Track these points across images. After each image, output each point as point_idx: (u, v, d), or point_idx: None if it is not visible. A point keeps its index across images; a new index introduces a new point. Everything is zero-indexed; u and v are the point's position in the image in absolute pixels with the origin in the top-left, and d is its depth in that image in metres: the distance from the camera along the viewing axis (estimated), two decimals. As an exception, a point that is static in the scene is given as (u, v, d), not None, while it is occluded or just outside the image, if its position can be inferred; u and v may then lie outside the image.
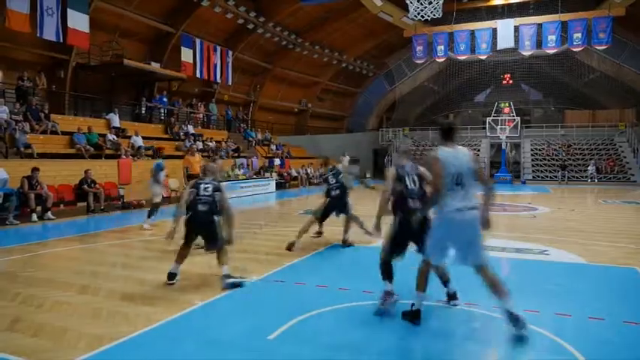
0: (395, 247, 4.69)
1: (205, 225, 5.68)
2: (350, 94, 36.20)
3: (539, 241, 8.24)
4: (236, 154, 22.44)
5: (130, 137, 17.19)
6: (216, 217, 5.65)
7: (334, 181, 7.93)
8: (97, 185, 13.10)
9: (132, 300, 5.01)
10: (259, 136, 27.29)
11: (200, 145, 19.76)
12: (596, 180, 25.57)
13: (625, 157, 26.95)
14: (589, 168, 26.19)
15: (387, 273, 4.68)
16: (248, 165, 22.03)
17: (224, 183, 5.72)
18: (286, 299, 5.01)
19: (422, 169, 4.87)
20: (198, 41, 22.06)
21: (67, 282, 5.75)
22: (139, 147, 16.77)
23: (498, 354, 3.87)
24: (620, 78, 29.74)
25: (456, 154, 4.11)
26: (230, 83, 25.04)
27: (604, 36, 25.91)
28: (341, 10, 26.46)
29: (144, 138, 17.60)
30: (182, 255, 5.82)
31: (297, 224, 9.26)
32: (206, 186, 5.76)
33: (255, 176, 21.08)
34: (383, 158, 31.51)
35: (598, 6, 26.64)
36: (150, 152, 17.07)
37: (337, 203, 7.93)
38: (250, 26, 24.06)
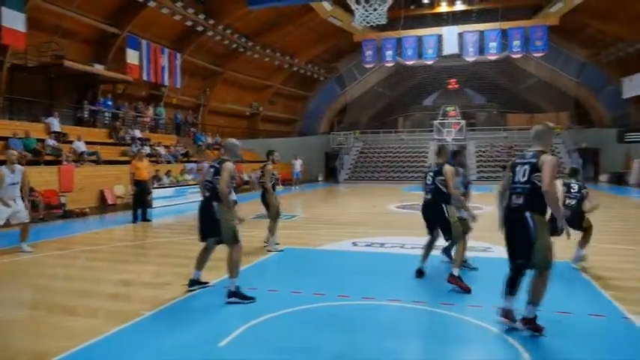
0: None
1: (204, 214, 5.20)
2: (302, 98, 36.32)
3: (483, 239, 8.39)
4: (185, 159, 21.98)
5: (71, 142, 16.46)
6: (216, 204, 5.07)
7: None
8: (36, 193, 12.45)
9: (74, 313, 4.81)
10: (210, 140, 26.84)
11: (148, 149, 19.20)
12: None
13: (561, 158, 28.50)
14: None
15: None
16: (198, 170, 21.61)
17: (229, 165, 5.07)
18: (238, 305, 4.92)
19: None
20: (144, 43, 21.46)
21: (4, 297, 5.45)
22: (82, 152, 16.09)
23: (448, 351, 3.93)
24: (555, 83, 31.54)
25: None
26: (179, 86, 24.49)
27: (540, 44, 27.42)
28: (291, 14, 26.52)
29: (87, 143, 16.89)
30: (201, 258, 5.46)
31: (249, 229, 9.20)
32: (210, 169, 5.25)
33: (206, 182, 20.66)
34: (334, 161, 31.81)
35: (535, 15, 28.15)
36: (94, 158, 16.41)
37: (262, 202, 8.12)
38: (199, 28, 23.64)
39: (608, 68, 29.82)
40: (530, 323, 3.94)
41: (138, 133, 20.79)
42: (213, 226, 5.08)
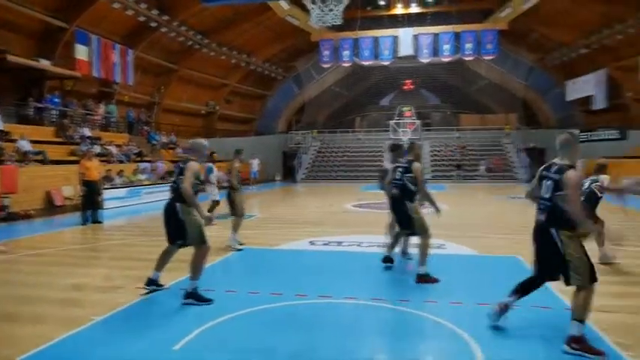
0: None
1: (168, 216, 5.02)
2: (259, 97, 36.03)
3: (437, 236, 8.54)
4: (139, 158, 21.34)
5: (15, 141, 15.64)
6: (179, 205, 4.93)
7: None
8: (-24, 194, 11.76)
9: (18, 320, 4.57)
10: (164, 139, 26.21)
11: (98, 148, 18.51)
12: (486, 178, 27.84)
13: (511, 157, 29.65)
14: (480, 167, 28.47)
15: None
16: (152, 170, 21.04)
17: (194, 165, 5.00)
18: (193, 307, 4.82)
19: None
20: (94, 38, 20.67)
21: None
22: (26, 152, 15.32)
23: (404, 346, 3.98)
24: (505, 85, 32.79)
25: None
26: (131, 83, 23.74)
27: (491, 47, 28.45)
28: (248, 12, 26.26)
29: (32, 142, 16.11)
30: (162, 259, 5.31)
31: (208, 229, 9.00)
32: (175, 169, 5.13)
33: (160, 182, 20.18)
34: (292, 160, 31.76)
35: (486, 20, 29.14)
36: (40, 157, 15.66)
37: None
38: (153, 24, 23.00)
39: (554, 72, 31.32)
40: (579, 343, 3.55)
41: (87, 132, 20.03)
42: (178, 228, 4.95)
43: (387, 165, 6.98)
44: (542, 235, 3.79)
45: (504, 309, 4.09)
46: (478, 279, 5.96)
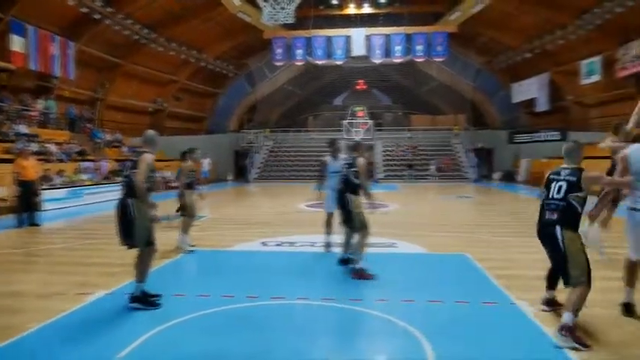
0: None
1: (119, 214, 4.69)
2: (210, 95, 35.18)
3: (389, 235, 8.72)
4: (81, 157, 20.30)
5: (-60, 138, 14.43)
6: (131, 201, 4.64)
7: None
8: None
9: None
10: (108, 137, 25.07)
11: (35, 146, 17.39)
12: (436, 177, 28.47)
13: (460, 157, 30.47)
14: (431, 167, 29.09)
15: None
16: (95, 169, 20.09)
17: (147, 156, 4.77)
18: (140, 312, 4.57)
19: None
20: (31, 29, 19.38)
21: None
22: (-45, 149, 14.17)
23: (356, 345, 4.03)
24: (454, 87, 33.68)
25: None
26: (72, 78, 22.48)
27: (441, 49, 29.11)
28: (198, 7, 25.52)
29: (-39, 138, 14.92)
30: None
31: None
32: (128, 163, 4.87)
33: (104, 182, 19.27)
34: (244, 160, 31.24)
35: (436, 22, 29.81)
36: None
37: None
38: (96, 16, 21.85)
39: (500, 75, 32.50)
40: (569, 331, 3.73)
41: (24, 129, 18.81)
42: (128, 226, 4.65)
43: (328, 159, 7.32)
44: (547, 233, 4.01)
45: (551, 302, 4.43)
46: (429, 277, 6.11)
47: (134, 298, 4.66)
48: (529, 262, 6.65)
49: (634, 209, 4.22)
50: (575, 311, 3.79)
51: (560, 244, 3.89)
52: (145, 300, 4.67)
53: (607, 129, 24.04)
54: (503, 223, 10.87)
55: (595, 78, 24.35)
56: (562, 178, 4.01)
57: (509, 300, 4.85)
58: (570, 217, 3.94)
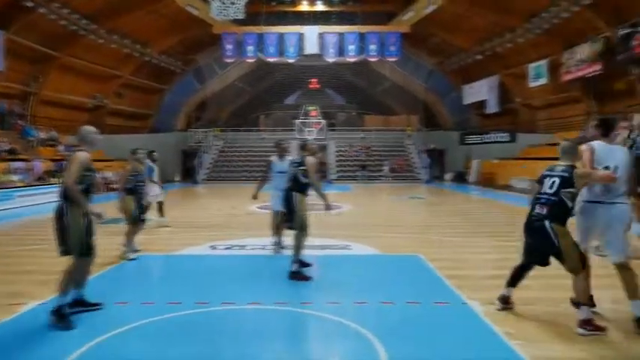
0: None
1: (54, 218, 4.31)
2: (155, 91, 33.56)
3: (342, 236, 8.72)
4: (11, 157, 18.74)
5: None
6: (65, 205, 4.29)
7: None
8: None
9: None
10: (43, 135, 23.33)
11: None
12: (390, 178, 28.31)
13: (412, 158, 30.48)
14: (384, 167, 28.90)
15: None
16: (28, 169, 18.58)
17: (79, 155, 4.37)
18: (80, 322, 4.25)
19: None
20: (-50, 14, 17.60)
21: None
22: None
23: (309, 349, 4.03)
24: (407, 87, 33.81)
25: (611, 149, 4.27)
26: (2, 69, 20.67)
27: (394, 49, 29.05)
28: (143, -2, 24.20)
29: None
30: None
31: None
32: (65, 163, 4.45)
33: (37, 183, 17.84)
34: (192, 160, 30.02)
35: (390, 22, 29.71)
36: None
37: None
38: (29, 4, 20.12)
39: (452, 76, 32.84)
40: (590, 324, 3.94)
41: (-58, 124, 17.10)
42: (62, 232, 4.29)
43: (274, 158, 7.39)
44: (536, 227, 4.13)
45: (507, 300, 4.47)
46: (382, 278, 6.09)
47: (51, 313, 4.20)
48: (479, 262, 6.96)
49: (591, 202, 4.27)
50: (585, 304, 4.00)
51: (554, 238, 4.01)
52: (61, 315, 4.18)
53: (553, 131, 24.68)
54: (455, 224, 10.95)
55: (542, 81, 24.95)
56: (555, 174, 4.16)
57: (460, 300, 4.92)
58: (560, 212, 4.06)
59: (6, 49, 20.48)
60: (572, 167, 4.15)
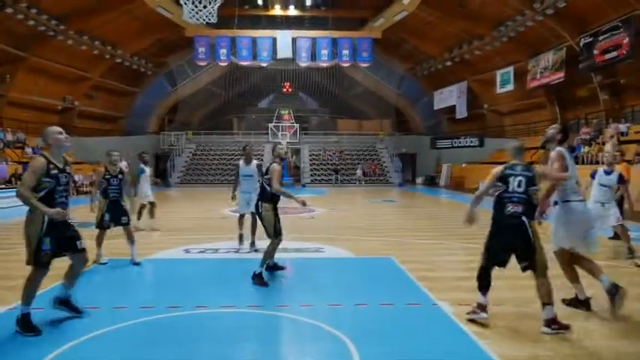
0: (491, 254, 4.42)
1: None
2: (127, 94, 33.05)
3: (316, 240, 8.77)
4: (-26, 159, 18.16)
5: None
6: (28, 214, 4.17)
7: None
8: None
9: None
10: (10, 137, 22.68)
11: None
12: (362, 182, 28.67)
13: (385, 162, 30.95)
14: (357, 171, 29.25)
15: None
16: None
17: (36, 161, 4.17)
18: (48, 329, 4.15)
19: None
20: None
21: None
22: None
23: (283, 352, 4.01)
24: (379, 92, 34.26)
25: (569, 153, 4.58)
26: (-35, 70, 20.10)
27: (366, 55, 29.43)
28: (114, -1, 23.86)
29: None
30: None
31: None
32: None
33: (4, 186, 17.34)
34: (165, 163, 29.69)
35: (362, 28, 30.09)
36: None
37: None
38: (-5, 3, 19.69)
39: (423, 82, 33.49)
40: (555, 323, 4.08)
41: None
42: (25, 238, 4.13)
43: (240, 163, 7.62)
44: (514, 224, 4.20)
45: (483, 308, 4.34)
46: (355, 281, 6.14)
47: (16, 322, 4.10)
48: (449, 263, 7.16)
49: (567, 201, 4.58)
50: (551, 303, 4.10)
51: (531, 236, 4.16)
52: (25, 324, 4.08)
53: (519, 136, 25.42)
54: (426, 226, 11.17)
55: (509, 87, 25.76)
56: (519, 173, 4.29)
57: (431, 301, 5.01)
58: (531, 210, 4.26)
59: (-29, 49, 19.95)
60: (531, 165, 4.40)
